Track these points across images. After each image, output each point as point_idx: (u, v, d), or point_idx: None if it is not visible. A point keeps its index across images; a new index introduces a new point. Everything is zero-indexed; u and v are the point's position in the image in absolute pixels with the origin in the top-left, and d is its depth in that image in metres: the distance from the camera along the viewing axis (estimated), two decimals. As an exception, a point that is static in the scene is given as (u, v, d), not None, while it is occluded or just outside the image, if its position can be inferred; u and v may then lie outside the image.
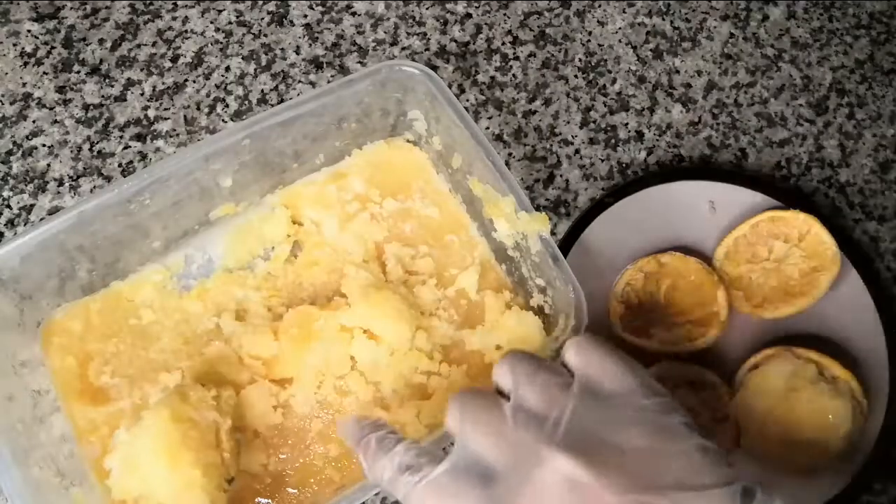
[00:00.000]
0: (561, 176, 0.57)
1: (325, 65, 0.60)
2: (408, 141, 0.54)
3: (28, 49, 0.60)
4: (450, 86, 0.59)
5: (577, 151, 0.58)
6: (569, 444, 0.31)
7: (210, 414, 0.41)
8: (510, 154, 0.57)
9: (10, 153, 0.55)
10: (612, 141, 0.58)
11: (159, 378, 0.46)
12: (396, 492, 0.34)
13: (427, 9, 0.63)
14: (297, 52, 0.61)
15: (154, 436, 0.39)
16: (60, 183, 0.55)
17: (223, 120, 0.58)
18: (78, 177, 0.55)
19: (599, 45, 0.62)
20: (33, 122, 0.57)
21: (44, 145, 0.56)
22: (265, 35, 0.61)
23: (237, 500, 0.43)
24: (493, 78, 0.60)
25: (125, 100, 0.58)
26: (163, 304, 0.48)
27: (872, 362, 0.48)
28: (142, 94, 0.58)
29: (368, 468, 0.36)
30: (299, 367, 0.45)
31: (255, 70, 0.60)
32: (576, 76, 0.61)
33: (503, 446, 0.32)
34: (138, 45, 0.60)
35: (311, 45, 0.61)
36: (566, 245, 0.51)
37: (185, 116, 0.58)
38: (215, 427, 0.41)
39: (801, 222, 0.50)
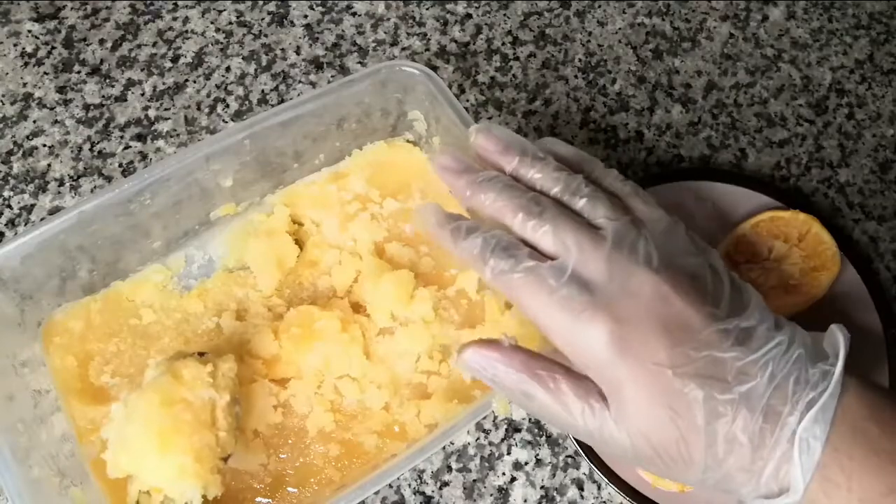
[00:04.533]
0: (561, 176, 0.57)
1: (325, 65, 0.60)
2: (408, 141, 0.54)
3: (29, 49, 0.60)
4: (450, 86, 0.59)
5: (577, 151, 0.58)
6: (658, 266, 0.33)
7: (205, 392, 0.40)
8: (510, 154, 0.57)
9: (10, 153, 0.56)
10: (612, 141, 0.58)
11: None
12: (484, 270, 0.34)
13: (427, 9, 0.63)
14: (298, 52, 0.61)
15: (144, 422, 0.38)
16: (61, 183, 0.55)
17: (223, 120, 0.58)
18: (78, 177, 0.55)
19: (599, 46, 0.62)
20: (34, 122, 0.57)
21: (44, 145, 0.56)
22: (265, 35, 0.61)
23: (237, 501, 0.43)
24: (493, 78, 0.60)
25: (126, 100, 0.58)
26: (163, 304, 0.48)
27: (871, 362, 0.48)
28: (142, 95, 0.58)
29: (455, 245, 0.35)
30: (299, 367, 0.46)
31: (256, 70, 0.60)
32: (576, 76, 0.61)
33: (602, 262, 0.33)
34: (139, 46, 0.60)
35: (311, 45, 0.61)
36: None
37: (185, 116, 0.58)
38: (211, 405, 0.40)
39: (800, 222, 0.50)
